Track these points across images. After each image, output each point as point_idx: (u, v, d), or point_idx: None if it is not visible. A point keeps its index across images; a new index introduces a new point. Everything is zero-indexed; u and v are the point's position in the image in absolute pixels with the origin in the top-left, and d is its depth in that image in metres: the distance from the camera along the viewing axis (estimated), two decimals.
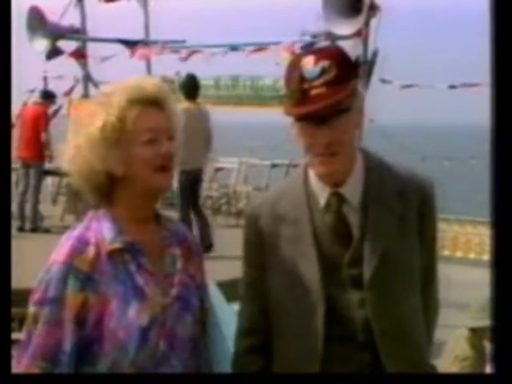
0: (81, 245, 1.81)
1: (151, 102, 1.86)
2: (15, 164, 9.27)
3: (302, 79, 1.81)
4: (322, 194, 1.93)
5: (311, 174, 1.95)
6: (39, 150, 9.23)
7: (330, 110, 1.80)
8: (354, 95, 1.86)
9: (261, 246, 1.97)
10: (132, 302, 1.80)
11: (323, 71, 1.80)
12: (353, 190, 1.91)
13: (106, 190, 1.87)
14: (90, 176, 1.85)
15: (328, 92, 1.79)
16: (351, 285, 1.89)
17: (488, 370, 3.83)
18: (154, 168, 1.84)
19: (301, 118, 1.85)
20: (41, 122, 9.38)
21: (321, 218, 1.93)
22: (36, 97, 10.22)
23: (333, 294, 1.90)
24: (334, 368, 1.89)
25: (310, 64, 1.81)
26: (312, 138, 1.83)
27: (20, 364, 1.77)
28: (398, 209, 1.90)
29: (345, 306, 1.89)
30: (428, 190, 1.97)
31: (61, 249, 1.82)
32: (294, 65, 1.85)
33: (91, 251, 1.81)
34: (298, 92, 1.81)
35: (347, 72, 1.83)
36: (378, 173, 1.94)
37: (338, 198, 1.91)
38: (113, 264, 1.82)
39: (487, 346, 3.87)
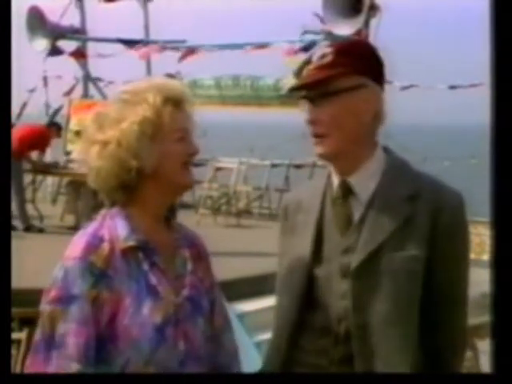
0: (95, 241, 1.81)
1: (178, 103, 1.90)
2: None
3: (308, 63, 1.93)
4: (336, 182, 1.99)
5: None
6: (20, 149, 8.92)
7: (317, 89, 1.90)
8: (352, 83, 1.90)
9: (285, 233, 2.08)
10: (146, 300, 1.81)
11: (323, 57, 1.92)
12: (363, 182, 1.94)
13: (131, 186, 1.87)
14: (117, 171, 1.84)
15: (316, 73, 1.91)
16: (340, 274, 1.91)
17: (482, 368, 3.86)
18: (182, 165, 1.89)
19: (301, 96, 1.95)
20: (39, 139, 9.16)
21: (330, 206, 1.98)
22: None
23: (323, 282, 1.93)
24: (309, 359, 1.93)
25: (319, 51, 1.96)
26: (306, 116, 1.94)
27: (53, 366, 1.74)
28: (406, 213, 1.88)
29: (330, 295, 1.92)
30: (448, 203, 1.90)
31: (75, 245, 1.81)
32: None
33: (106, 248, 1.81)
34: (301, 72, 1.96)
35: (346, 60, 1.90)
36: (394, 173, 1.95)
37: (344, 187, 1.95)
38: (126, 261, 1.82)
39: (478, 343, 3.90)
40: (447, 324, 1.94)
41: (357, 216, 1.93)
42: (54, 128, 9.72)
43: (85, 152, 1.88)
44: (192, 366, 1.87)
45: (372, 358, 1.86)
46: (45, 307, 1.79)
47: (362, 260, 1.87)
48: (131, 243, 1.83)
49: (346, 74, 1.89)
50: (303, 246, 1.97)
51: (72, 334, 1.75)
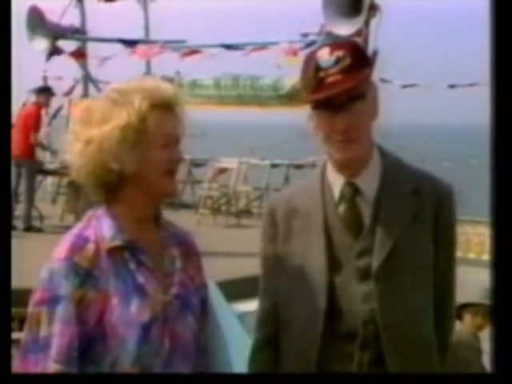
0: (80, 242, 1.82)
1: (168, 107, 1.88)
2: None
3: (318, 69, 1.86)
4: (337, 184, 1.96)
5: (329, 167, 1.99)
6: (30, 149, 9.04)
7: (346, 95, 1.85)
8: (369, 84, 1.91)
9: (275, 239, 2.03)
10: (133, 299, 1.81)
11: (338, 60, 1.86)
12: (368, 182, 1.94)
13: (112, 187, 1.86)
14: (97, 171, 1.84)
15: (343, 78, 1.84)
16: (358, 277, 1.90)
17: (482, 359, 3.88)
18: (164, 172, 1.87)
19: (318, 105, 1.89)
20: (31, 121, 9.17)
21: (333, 210, 1.96)
22: (32, 96, 9.81)
23: (339, 287, 1.91)
24: (335, 366, 1.91)
25: (325, 55, 1.87)
26: (330, 124, 1.87)
27: (40, 367, 1.74)
28: (413, 207, 1.91)
29: (349, 300, 1.90)
30: (445, 193, 1.97)
31: (61, 247, 1.82)
32: (310, 57, 1.91)
33: (91, 248, 1.81)
34: (314, 80, 1.87)
35: (361, 61, 1.89)
36: (395, 170, 1.96)
37: (352, 188, 1.94)
38: (113, 261, 1.82)
39: (480, 339, 3.94)
40: (444, 309, 1.99)
41: (367, 217, 1.92)
42: (43, 93, 9.59)
43: (69, 148, 1.88)
44: (178, 365, 1.87)
45: (404, 357, 1.87)
46: (31, 309, 1.79)
47: (383, 260, 1.88)
48: (117, 243, 1.83)
49: (368, 77, 1.90)
50: (315, 254, 1.94)
51: (56, 335, 1.75)
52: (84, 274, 1.78)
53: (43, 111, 9.66)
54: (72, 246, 1.81)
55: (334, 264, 1.92)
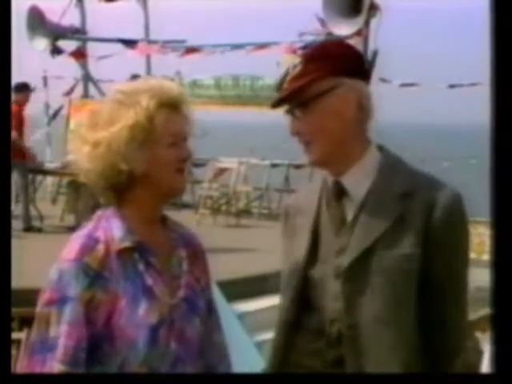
0: (91, 243, 1.81)
1: (175, 106, 1.88)
2: None
3: (287, 75, 1.93)
4: (330, 183, 1.98)
5: None
6: (19, 149, 8.88)
7: (290, 101, 1.91)
8: (324, 87, 1.88)
9: (285, 236, 2.08)
10: (141, 301, 1.81)
11: (294, 67, 1.91)
12: (356, 181, 1.92)
13: (121, 188, 1.86)
14: (107, 173, 1.84)
15: (288, 85, 1.91)
16: (333, 275, 1.90)
17: (484, 361, 3.88)
18: (174, 170, 1.87)
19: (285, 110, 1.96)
20: (14, 121, 8.88)
21: (325, 208, 1.98)
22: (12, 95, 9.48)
23: (319, 283, 1.93)
24: (304, 360, 1.93)
25: (293, 62, 1.94)
26: (290, 128, 1.96)
27: (48, 368, 1.74)
28: (398, 210, 1.86)
29: (324, 296, 1.91)
30: (442, 200, 1.86)
31: (71, 247, 1.81)
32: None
33: (101, 249, 1.81)
34: (281, 86, 1.94)
35: (314, 66, 1.88)
36: (389, 171, 1.93)
37: (337, 187, 1.95)
38: (122, 263, 1.82)
39: (480, 336, 3.92)
40: (446, 323, 1.91)
41: (350, 216, 1.92)
42: (20, 96, 9.32)
43: (77, 151, 1.88)
44: (184, 367, 1.87)
45: (363, 359, 1.84)
46: (40, 309, 1.79)
47: (353, 260, 1.86)
48: (127, 244, 1.83)
49: (315, 81, 1.87)
50: (300, 248, 1.98)
51: (63, 336, 1.75)
52: (94, 276, 1.78)
53: (26, 109, 9.51)
54: (82, 247, 1.80)
55: (316, 260, 1.95)
